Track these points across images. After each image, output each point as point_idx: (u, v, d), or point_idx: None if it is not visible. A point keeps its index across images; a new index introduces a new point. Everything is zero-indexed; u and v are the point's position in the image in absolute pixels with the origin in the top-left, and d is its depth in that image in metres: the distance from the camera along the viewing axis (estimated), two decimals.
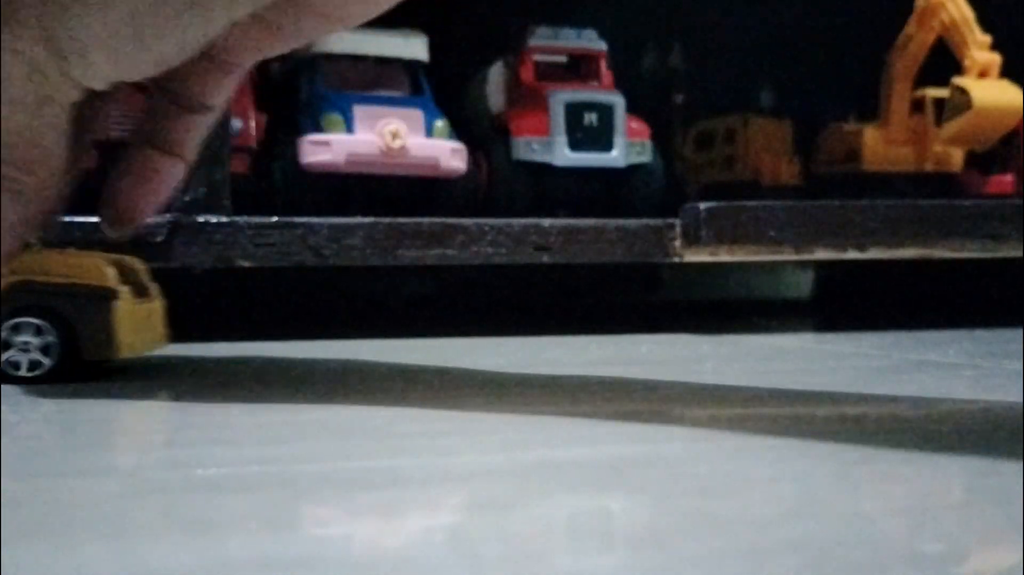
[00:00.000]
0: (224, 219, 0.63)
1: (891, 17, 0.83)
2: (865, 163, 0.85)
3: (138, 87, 0.68)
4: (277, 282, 0.86)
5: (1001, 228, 0.72)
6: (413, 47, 0.75)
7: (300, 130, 0.70)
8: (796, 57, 1.04)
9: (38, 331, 0.46)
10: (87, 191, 0.68)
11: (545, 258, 0.68)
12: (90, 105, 0.37)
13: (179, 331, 0.56)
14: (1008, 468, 0.31)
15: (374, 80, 0.75)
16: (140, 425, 0.39)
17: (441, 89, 0.76)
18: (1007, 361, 0.56)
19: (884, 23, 0.84)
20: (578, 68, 0.81)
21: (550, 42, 0.79)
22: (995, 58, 0.76)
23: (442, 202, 0.73)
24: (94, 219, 0.61)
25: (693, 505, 0.28)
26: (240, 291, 0.89)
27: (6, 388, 0.46)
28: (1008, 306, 0.86)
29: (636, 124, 0.77)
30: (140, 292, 0.50)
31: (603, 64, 0.80)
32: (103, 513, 0.27)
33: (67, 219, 0.61)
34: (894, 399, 0.44)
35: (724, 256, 0.69)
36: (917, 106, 0.85)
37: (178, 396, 0.46)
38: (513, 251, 0.67)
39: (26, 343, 0.46)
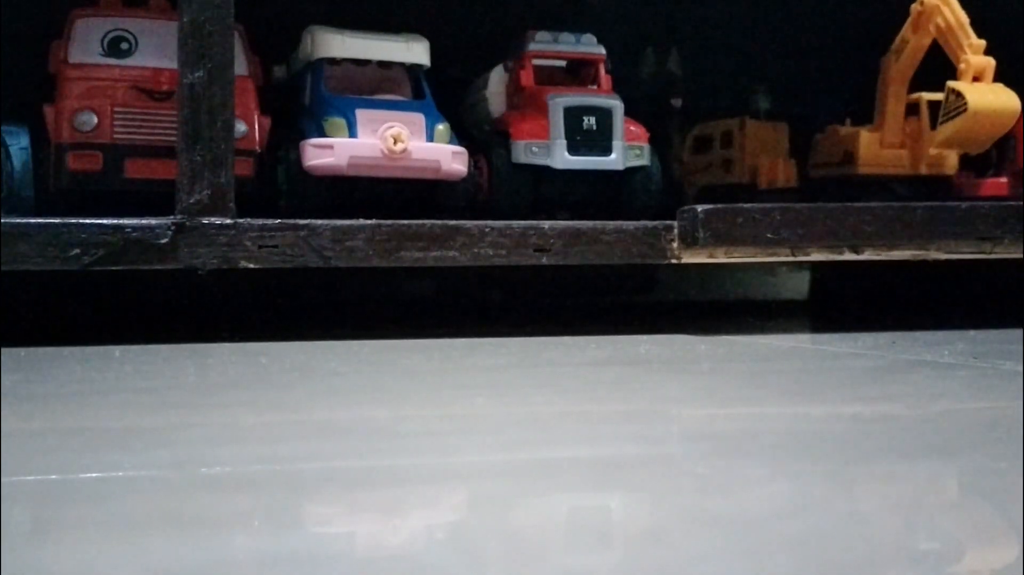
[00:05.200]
0: (228, 221, 0.64)
1: (886, 21, 0.83)
2: (860, 166, 0.86)
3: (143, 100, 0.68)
4: (280, 283, 0.87)
5: (995, 230, 0.73)
6: (415, 51, 0.75)
7: (303, 134, 0.71)
8: (792, 61, 1.05)
9: None
10: (92, 194, 0.69)
11: (545, 260, 0.68)
12: None
13: (182, 330, 0.56)
14: (1004, 468, 0.31)
15: (376, 84, 0.75)
16: (144, 423, 0.39)
17: (442, 93, 0.76)
18: (1002, 361, 0.56)
19: (879, 27, 0.84)
20: (577, 72, 0.81)
21: (550, 47, 0.80)
22: (990, 62, 0.76)
23: (443, 204, 0.74)
24: (98, 220, 0.62)
25: (691, 504, 0.28)
26: (244, 291, 0.89)
27: (8, 380, 0.46)
28: (1003, 307, 0.86)
29: (634, 128, 0.77)
30: None
31: (602, 68, 0.80)
32: (109, 510, 0.27)
33: (72, 221, 0.62)
34: (890, 399, 0.44)
35: (721, 258, 0.70)
36: (912, 109, 0.86)
37: (180, 394, 0.46)
38: (513, 253, 0.67)
39: None
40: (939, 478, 0.31)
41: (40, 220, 0.62)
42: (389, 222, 0.66)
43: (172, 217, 0.63)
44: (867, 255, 0.71)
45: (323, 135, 0.70)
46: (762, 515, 0.27)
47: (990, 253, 0.72)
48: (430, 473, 0.31)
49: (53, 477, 0.30)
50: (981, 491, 0.29)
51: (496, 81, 0.81)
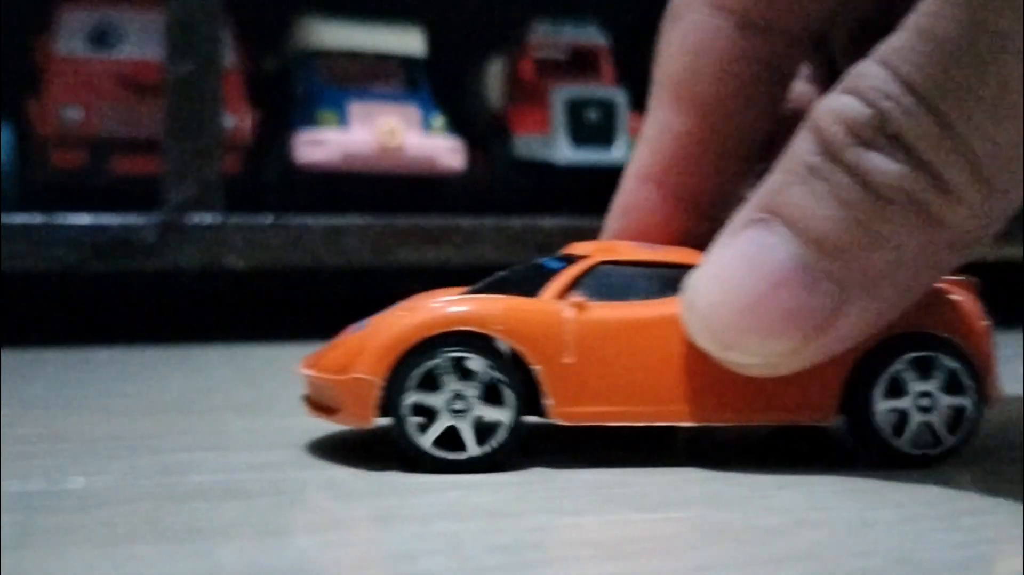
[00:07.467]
0: (216, 219, 0.62)
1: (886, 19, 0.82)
2: None
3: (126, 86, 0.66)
4: (269, 282, 0.86)
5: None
6: (410, 42, 0.74)
7: (294, 127, 0.70)
8: None
9: None
10: (77, 190, 0.67)
11: None
12: None
13: (169, 333, 0.56)
14: (1008, 470, 0.32)
15: (370, 75, 0.74)
16: (130, 429, 0.38)
17: (439, 85, 0.75)
18: (1004, 363, 0.55)
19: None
20: (580, 63, 0.80)
21: (551, 36, 0.79)
22: None
23: (440, 201, 0.73)
24: (83, 219, 0.61)
25: (696, 513, 0.28)
26: (232, 291, 0.88)
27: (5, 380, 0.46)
28: (1003, 307, 0.86)
29: (639, 121, 0.76)
30: None
31: (605, 59, 0.79)
32: (95, 519, 0.27)
33: (56, 219, 0.61)
34: None
35: None
36: None
37: (167, 399, 0.45)
38: (513, 251, 0.66)
39: None
40: (945, 481, 0.31)
41: (23, 218, 0.61)
42: (383, 220, 0.65)
43: (159, 214, 0.62)
44: None
45: (315, 128, 0.69)
46: (770, 524, 0.27)
47: (991, 253, 0.71)
48: (423, 482, 0.31)
49: (37, 486, 0.30)
50: (985, 494, 0.29)
51: (495, 72, 0.80)
